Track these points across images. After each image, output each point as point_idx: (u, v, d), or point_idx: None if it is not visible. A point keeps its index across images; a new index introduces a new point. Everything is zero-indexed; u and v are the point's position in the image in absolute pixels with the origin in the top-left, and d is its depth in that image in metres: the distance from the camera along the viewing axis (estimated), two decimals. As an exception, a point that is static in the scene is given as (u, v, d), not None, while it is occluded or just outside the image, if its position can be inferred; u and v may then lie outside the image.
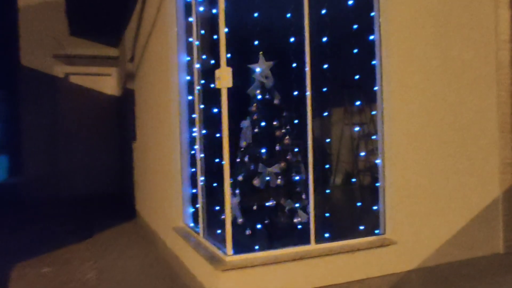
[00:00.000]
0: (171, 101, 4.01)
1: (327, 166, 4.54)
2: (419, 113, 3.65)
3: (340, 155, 4.85)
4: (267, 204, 3.68)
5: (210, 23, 3.51)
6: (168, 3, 3.97)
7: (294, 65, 3.76)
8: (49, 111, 8.58)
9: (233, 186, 3.51)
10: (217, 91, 3.08)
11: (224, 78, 2.97)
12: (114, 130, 9.10)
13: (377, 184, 3.64)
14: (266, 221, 3.71)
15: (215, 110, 3.45)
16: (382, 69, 3.57)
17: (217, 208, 3.47)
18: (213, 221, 3.50)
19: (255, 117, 3.74)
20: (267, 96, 3.77)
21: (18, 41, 8.42)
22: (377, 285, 3.29)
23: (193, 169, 3.90)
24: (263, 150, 3.71)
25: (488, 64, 3.95)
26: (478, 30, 3.91)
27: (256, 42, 3.84)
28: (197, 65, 3.60)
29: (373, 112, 3.73)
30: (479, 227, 3.87)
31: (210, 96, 3.41)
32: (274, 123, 3.79)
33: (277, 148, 3.76)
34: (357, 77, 4.15)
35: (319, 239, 3.35)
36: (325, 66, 4.02)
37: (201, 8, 3.55)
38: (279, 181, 3.67)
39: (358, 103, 4.44)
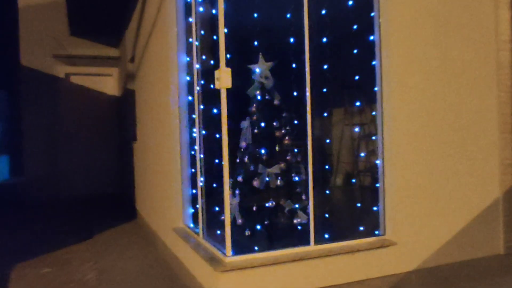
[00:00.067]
0: (170, 101, 4.00)
1: (327, 166, 4.53)
2: (419, 113, 3.65)
3: (340, 156, 4.85)
4: (267, 204, 3.68)
5: (210, 23, 3.51)
6: (168, 4, 3.97)
7: (294, 65, 3.76)
8: (49, 111, 8.58)
9: (233, 186, 3.50)
10: (217, 92, 3.07)
11: (223, 78, 2.97)
12: (114, 130, 9.11)
13: (377, 185, 3.64)
14: (265, 222, 3.70)
15: (215, 110, 3.45)
16: (382, 70, 3.56)
17: (217, 208, 3.46)
18: (213, 222, 3.50)
19: (255, 117, 3.74)
20: (267, 97, 3.77)
21: (18, 41, 8.41)
22: (377, 286, 3.29)
23: (193, 170, 3.90)
24: (263, 151, 3.71)
25: (488, 64, 3.95)
26: (478, 31, 3.90)
27: (255, 43, 3.84)
28: (197, 66, 3.60)
29: (373, 113, 3.73)
30: (479, 227, 3.87)
31: (210, 96, 3.41)
32: (274, 123, 3.79)
33: (277, 148, 3.76)
34: (357, 77, 4.14)
35: (319, 240, 3.35)
36: (325, 66, 4.02)
37: (201, 9, 3.55)
38: (279, 181, 3.67)
39: (358, 103, 4.43)
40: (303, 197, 3.69)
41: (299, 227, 3.66)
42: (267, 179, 3.64)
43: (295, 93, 3.77)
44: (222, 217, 3.13)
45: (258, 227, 3.66)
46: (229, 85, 3.00)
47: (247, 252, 3.12)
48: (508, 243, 3.97)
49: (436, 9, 3.71)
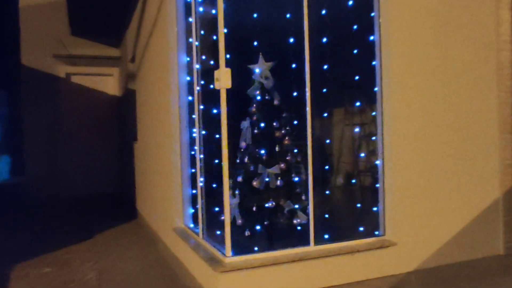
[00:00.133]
0: (171, 101, 4.00)
1: (327, 167, 4.53)
2: (419, 113, 3.65)
3: (340, 156, 4.85)
4: (266, 205, 3.68)
5: (210, 23, 3.51)
6: (168, 4, 3.97)
7: (294, 65, 3.76)
8: (50, 111, 8.58)
9: (233, 187, 3.50)
10: (217, 92, 3.07)
11: (223, 79, 2.97)
12: (114, 130, 9.11)
13: (377, 185, 3.64)
14: (265, 222, 3.70)
15: (215, 110, 3.45)
16: (382, 70, 3.56)
17: (217, 209, 3.47)
18: (213, 222, 3.50)
19: (254, 117, 3.74)
20: (267, 97, 3.77)
21: (19, 40, 8.42)
22: (376, 286, 3.29)
23: (193, 170, 3.90)
24: (263, 151, 3.71)
25: (488, 64, 3.94)
26: (478, 31, 3.90)
27: (255, 43, 3.84)
28: (197, 66, 3.60)
29: (373, 113, 3.72)
30: (479, 228, 3.87)
31: (210, 96, 3.41)
32: (274, 124, 3.79)
33: (277, 149, 3.76)
34: (357, 77, 4.14)
35: (319, 240, 3.35)
36: (325, 66, 4.02)
37: (201, 9, 3.55)
38: (278, 182, 3.67)
39: (358, 103, 4.43)
40: (303, 197, 3.69)
41: (299, 228, 3.65)
42: (267, 179, 3.64)
43: (295, 93, 3.77)
44: (222, 218, 3.13)
45: (258, 227, 3.66)
46: (229, 86, 3.00)
47: (247, 252, 3.12)
48: (508, 243, 3.96)
49: (436, 9, 3.71)
